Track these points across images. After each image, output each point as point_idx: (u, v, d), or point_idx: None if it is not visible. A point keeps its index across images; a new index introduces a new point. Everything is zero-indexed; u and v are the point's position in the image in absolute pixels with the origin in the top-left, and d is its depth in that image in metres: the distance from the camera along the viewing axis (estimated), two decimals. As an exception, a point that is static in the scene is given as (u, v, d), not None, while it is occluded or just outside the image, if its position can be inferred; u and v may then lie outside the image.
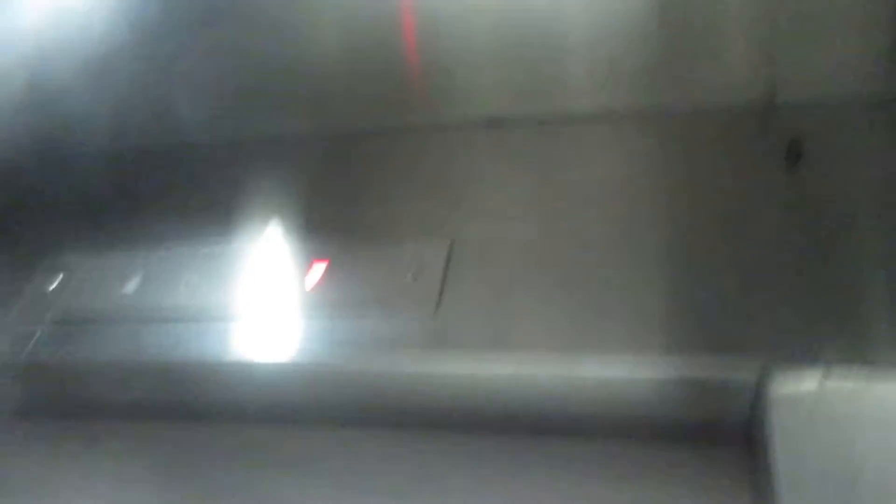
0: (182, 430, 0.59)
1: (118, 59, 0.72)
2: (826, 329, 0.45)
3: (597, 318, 0.50)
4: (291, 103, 0.70)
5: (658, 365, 0.47)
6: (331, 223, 0.62)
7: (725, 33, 0.61)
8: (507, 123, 0.66)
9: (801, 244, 0.50)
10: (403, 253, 0.58)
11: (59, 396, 0.62)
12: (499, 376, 0.50)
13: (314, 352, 0.54)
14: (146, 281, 0.62)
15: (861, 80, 0.58)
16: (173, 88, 0.72)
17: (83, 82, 0.73)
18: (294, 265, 0.59)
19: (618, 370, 0.48)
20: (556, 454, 0.52)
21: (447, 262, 0.56)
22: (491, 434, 0.53)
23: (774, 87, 0.60)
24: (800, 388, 0.43)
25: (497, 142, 0.65)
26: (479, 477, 0.52)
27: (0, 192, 0.75)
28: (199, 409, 0.59)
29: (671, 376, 0.47)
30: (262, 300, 0.58)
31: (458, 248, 0.57)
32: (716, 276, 0.50)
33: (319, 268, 0.58)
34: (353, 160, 0.67)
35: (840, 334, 0.45)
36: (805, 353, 0.44)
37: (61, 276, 0.65)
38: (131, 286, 0.62)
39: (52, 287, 0.64)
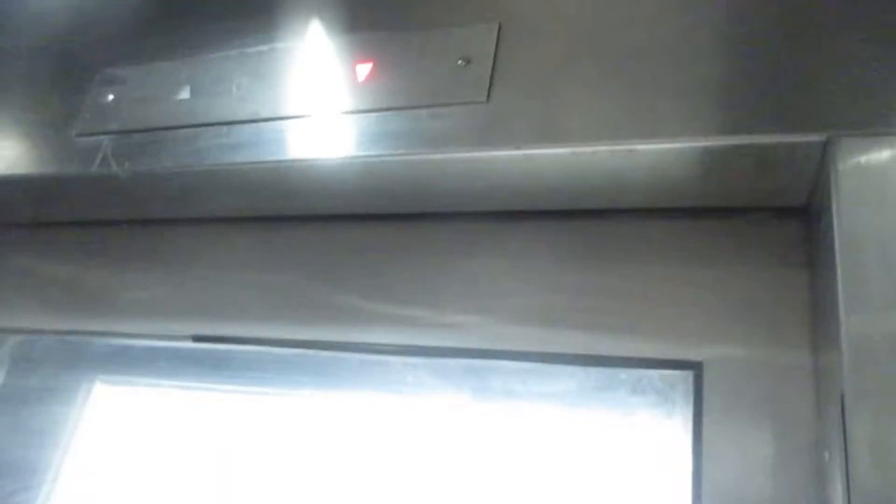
0: (254, 231, 0.62)
1: None
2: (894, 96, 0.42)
3: (651, 98, 0.48)
4: None
5: (717, 140, 0.45)
6: (374, 13, 0.59)
7: None
8: None
9: (867, 3, 0.46)
10: (451, 38, 0.56)
11: (130, 205, 0.65)
12: (553, 162, 0.50)
13: (369, 146, 0.54)
14: (198, 87, 0.62)
15: None
16: None
17: None
18: (341, 63, 0.58)
19: (675, 152, 0.46)
20: (617, 234, 0.53)
21: (497, 45, 0.54)
22: (547, 218, 0.54)
23: None
24: (866, 157, 0.41)
25: None
26: (539, 259, 0.54)
27: (47, 7, 0.74)
28: (264, 210, 0.61)
29: (732, 152, 0.45)
30: (314, 97, 0.58)
31: (507, 30, 0.54)
32: (778, 45, 0.47)
33: (367, 65, 0.57)
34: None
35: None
36: (873, 121, 0.42)
37: (116, 87, 0.65)
38: (185, 93, 0.62)
39: (109, 99, 0.65)
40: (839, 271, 0.39)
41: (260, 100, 0.59)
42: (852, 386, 0.37)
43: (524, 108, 0.51)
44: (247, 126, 0.59)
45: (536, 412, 0.52)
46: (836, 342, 0.39)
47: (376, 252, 0.59)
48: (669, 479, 0.47)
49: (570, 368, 0.52)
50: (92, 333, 0.67)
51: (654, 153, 0.47)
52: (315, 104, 0.58)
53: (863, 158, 0.41)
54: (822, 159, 0.43)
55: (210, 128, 0.60)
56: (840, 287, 0.39)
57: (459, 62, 0.54)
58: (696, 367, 0.48)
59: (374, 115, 0.55)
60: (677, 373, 0.49)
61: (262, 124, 0.58)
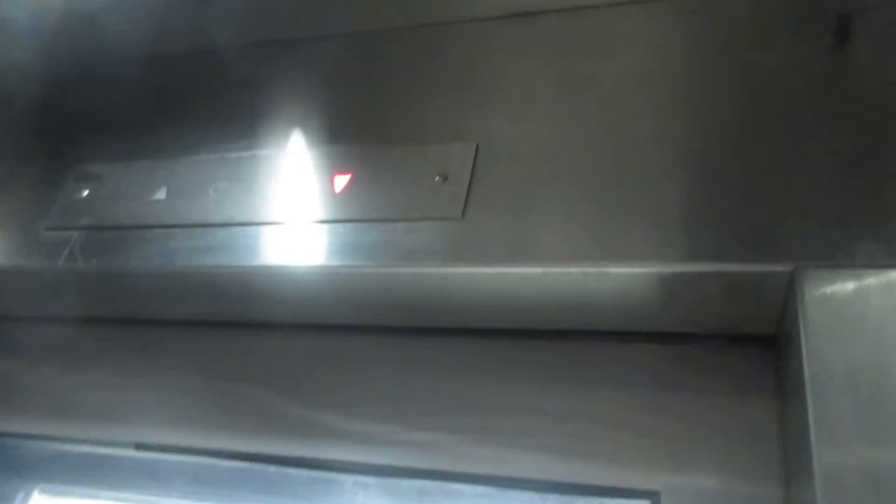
0: (212, 336, 0.61)
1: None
2: (862, 226, 0.44)
3: (624, 222, 0.49)
4: (314, 3, 0.68)
5: (687, 267, 0.46)
6: (356, 126, 0.61)
7: None
8: (535, 14, 0.63)
9: (842, 134, 0.48)
10: (429, 155, 0.57)
11: (93, 302, 0.63)
12: (526, 281, 0.50)
13: (343, 256, 0.54)
14: (175, 187, 0.63)
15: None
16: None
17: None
18: (320, 173, 0.59)
19: (645, 276, 0.47)
20: (583, 357, 0.52)
21: (473, 165, 0.55)
22: (518, 337, 0.53)
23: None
24: (832, 287, 0.42)
25: (524, 35, 0.62)
26: (507, 378, 0.53)
27: (31, 101, 0.75)
28: (231, 315, 0.60)
29: (700, 278, 0.46)
30: (291, 205, 0.58)
31: (483, 150, 0.56)
32: (749, 172, 0.49)
33: (345, 177, 0.58)
34: (378, 60, 0.65)
35: (877, 231, 0.43)
36: (839, 252, 0.43)
37: (92, 183, 0.65)
38: (161, 193, 0.63)
39: (83, 195, 0.65)
40: (809, 403, 0.39)
41: (236, 204, 0.60)
42: (826, 522, 0.36)
43: (498, 227, 0.52)
44: (220, 229, 0.59)
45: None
46: (808, 475, 0.38)
47: (338, 364, 0.57)
48: None
49: (525, 494, 0.50)
50: (31, 436, 0.63)
51: (624, 276, 0.48)
52: (291, 211, 0.58)
53: (828, 290, 0.42)
54: (789, 289, 0.44)
55: (183, 229, 0.60)
56: (811, 419, 0.39)
57: (436, 179, 0.55)
58: (653, 497, 0.47)
59: (349, 225, 0.56)
60: (633, 502, 0.48)
61: (236, 228, 0.58)
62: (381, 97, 0.63)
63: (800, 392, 0.41)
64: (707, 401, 0.48)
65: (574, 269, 0.49)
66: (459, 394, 0.53)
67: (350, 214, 0.56)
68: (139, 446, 0.59)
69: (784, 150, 0.48)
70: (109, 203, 0.63)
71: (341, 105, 0.63)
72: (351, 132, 0.61)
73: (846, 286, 0.42)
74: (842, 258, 0.43)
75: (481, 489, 0.51)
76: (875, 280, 0.41)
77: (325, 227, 0.56)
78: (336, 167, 0.59)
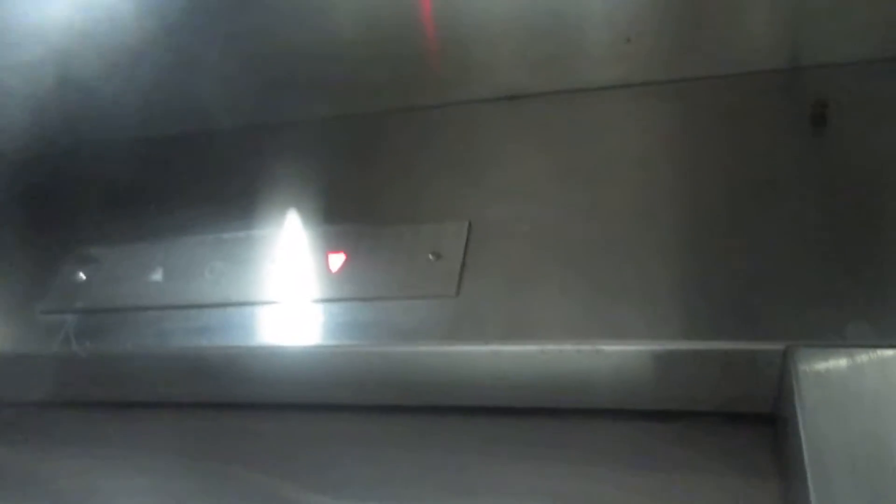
0: (205, 417, 0.60)
1: (143, 49, 0.72)
2: (853, 305, 0.44)
3: (617, 301, 0.49)
4: (309, 87, 0.70)
5: (681, 345, 0.46)
6: (350, 206, 0.62)
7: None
8: (526, 97, 0.65)
9: (826, 214, 0.49)
10: (423, 234, 0.58)
11: (88, 386, 0.63)
12: (521, 359, 0.50)
13: (339, 335, 0.54)
14: (171, 269, 0.63)
15: (885, 41, 0.56)
16: (196, 76, 0.72)
17: (108, 72, 0.73)
18: (315, 253, 0.60)
19: (640, 354, 0.47)
20: (579, 436, 0.52)
21: (466, 243, 0.56)
22: (513, 416, 0.53)
23: (798, 50, 0.58)
24: (825, 365, 0.42)
25: (514, 117, 0.64)
26: (502, 458, 0.52)
27: (28, 183, 0.76)
28: (226, 396, 0.60)
29: (695, 357, 0.46)
30: (286, 285, 0.59)
31: (476, 228, 0.57)
32: (739, 252, 0.49)
33: (340, 256, 0.58)
34: (371, 141, 0.67)
35: (867, 310, 0.44)
36: (831, 331, 0.43)
37: (89, 266, 0.66)
38: (157, 274, 0.63)
39: (80, 277, 0.65)
40: (810, 482, 0.39)
41: (231, 284, 0.60)
42: None
43: (492, 305, 0.52)
44: (216, 310, 0.59)
45: None
46: (811, 559, 0.37)
47: (332, 444, 0.57)
48: None
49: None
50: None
51: (619, 354, 0.48)
52: (286, 291, 0.58)
53: (822, 368, 0.42)
54: (783, 368, 0.44)
55: (178, 310, 0.60)
56: (812, 499, 0.38)
57: (430, 257, 0.56)
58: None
59: (344, 304, 0.56)
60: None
61: (231, 309, 0.59)
62: (374, 178, 0.64)
63: (800, 471, 0.40)
64: (706, 480, 0.48)
65: (569, 347, 0.49)
66: (455, 474, 0.52)
67: (345, 293, 0.57)
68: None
69: (771, 231, 0.49)
70: (106, 285, 0.64)
71: (335, 186, 0.64)
72: (345, 212, 0.61)
73: (839, 365, 0.42)
74: (833, 337, 0.43)
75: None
76: (867, 359, 0.42)
77: (320, 306, 0.57)
78: (331, 247, 0.60)
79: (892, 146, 0.51)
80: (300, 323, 0.56)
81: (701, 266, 0.50)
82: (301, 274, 0.59)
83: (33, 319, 0.64)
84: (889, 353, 0.42)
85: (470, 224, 0.57)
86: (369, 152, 0.66)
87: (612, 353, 0.48)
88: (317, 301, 0.57)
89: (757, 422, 0.48)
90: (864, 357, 0.42)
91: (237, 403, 0.60)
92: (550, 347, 0.49)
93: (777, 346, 0.44)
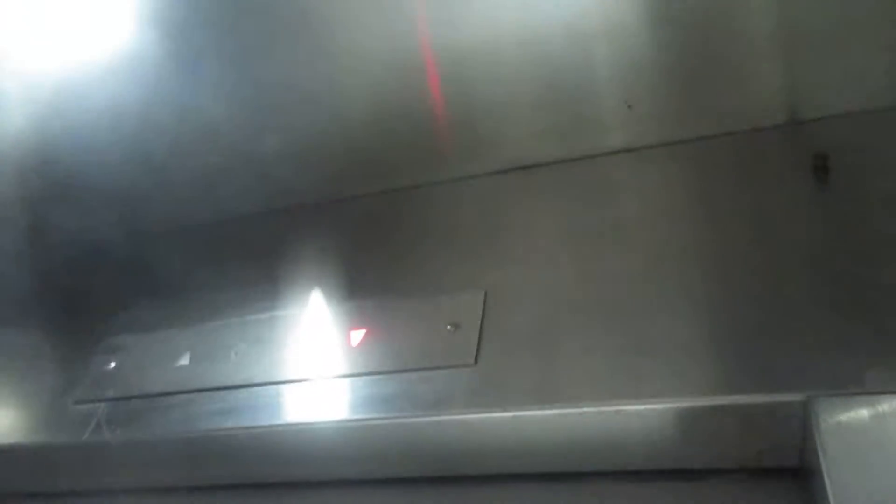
0: (239, 498, 0.61)
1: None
2: (871, 353, 0.44)
3: (634, 361, 0.50)
4: (321, 170, 0.73)
5: (701, 401, 0.46)
6: (369, 283, 0.63)
7: (744, 57, 0.61)
8: (533, 168, 0.67)
9: (836, 263, 0.49)
10: (440, 305, 0.59)
11: (119, 472, 0.64)
12: (542, 424, 0.50)
13: (362, 409, 0.55)
14: (198, 353, 0.65)
15: (884, 91, 0.57)
16: (214, 163, 0.76)
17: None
18: (336, 329, 0.61)
19: (660, 413, 0.47)
20: (605, 499, 0.51)
21: (483, 312, 0.57)
22: (538, 482, 0.53)
23: (798, 104, 0.59)
24: (847, 414, 0.42)
25: (523, 187, 0.66)
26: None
27: (58, 281, 0.80)
28: (254, 476, 0.60)
29: (715, 412, 0.46)
30: (309, 363, 0.60)
31: (492, 297, 0.58)
32: (753, 305, 0.50)
33: (360, 331, 0.60)
34: (386, 219, 0.69)
35: (886, 357, 0.44)
36: (851, 379, 0.43)
37: (118, 354, 0.67)
38: (184, 359, 0.65)
39: (110, 366, 0.67)
40: (839, 536, 0.38)
41: (256, 365, 0.61)
42: None
43: (511, 371, 0.53)
44: (241, 391, 0.60)
45: None
46: None
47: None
48: None
49: None
50: None
51: (639, 414, 0.48)
52: (309, 369, 0.59)
53: (843, 418, 0.42)
54: (805, 418, 0.44)
55: (205, 393, 0.61)
56: (843, 555, 0.38)
57: (448, 328, 0.57)
58: None
59: (366, 378, 0.57)
60: None
61: (256, 389, 0.60)
62: (391, 254, 0.66)
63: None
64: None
65: (589, 409, 0.49)
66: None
67: (367, 368, 0.58)
68: None
69: (783, 283, 0.50)
70: (135, 373, 0.65)
71: (353, 264, 0.66)
72: (364, 289, 0.63)
73: (861, 413, 0.42)
74: (854, 386, 0.43)
75: None
76: (889, 406, 0.41)
77: (343, 381, 0.58)
78: (352, 323, 0.61)
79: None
80: (324, 399, 0.57)
81: (716, 322, 0.50)
82: (323, 351, 0.60)
83: (66, 410, 0.65)
84: (909, 398, 0.41)
85: (486, 293, 0.58)
86: (385, 230, 0.68)
87: (632, 414, 0.48)
88: (339, 377, 0.58)
89: (784, 476, 0.47)
90: (886, 404, 0.42)
91: (265, 483, 0.60)
92: (570, 411, 0.49)
93: (798, 398, 0.44)
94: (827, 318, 0.47)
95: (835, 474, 0.40)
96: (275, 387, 0.59)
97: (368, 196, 0.72)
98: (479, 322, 0.56)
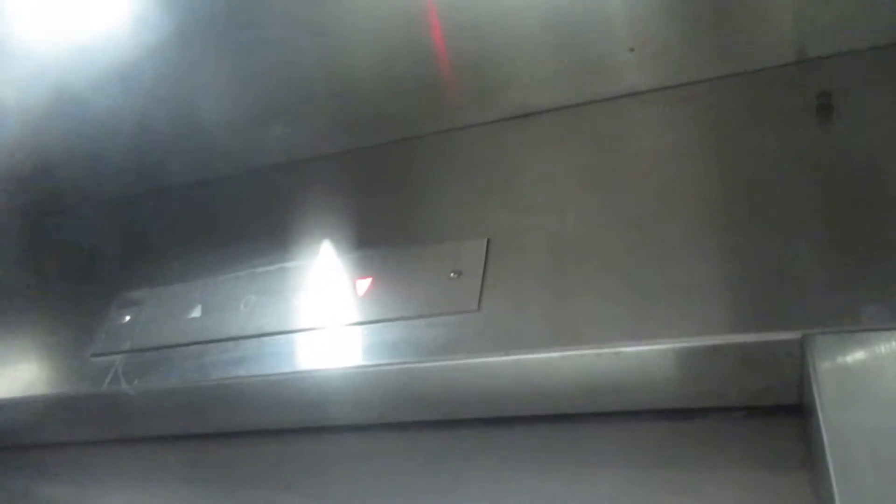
0: (251, 445, 0.62)
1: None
2: (867, 290, 0.44)
3: (635, 303, 0.50)
4: (325, 123, 0.73)
5: (699, 341, 0.47)
6: (374, 233, 0.64)
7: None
8: (536, 115, 0.66)
9: (835, 203, 0.49)
10: (444, 253, 0.59)
11: (137, 421, 0.66)
12: (543, 367, 0.51)
13: (368, 356, 0.56)
14: (209, 305, 0.66)
15: (889, 29, 0.56)
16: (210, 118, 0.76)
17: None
18: (342, 279, 0.62)
19: (659, 353, 0.48)
20: (608, 439, 0.52)
21: (486, 259, 0.57)
22: (542, 424, 0.54)
23: (802, 43, 0.58)
24: (843, 351, 0.42)
25: (526, 134, 0.65)
26: (534, 465, 0.53)
27: (72, 237, 0.81)
28: (266, 423, 0.62)
29: (713, 352, 0.46)
30: (317, 312, 0.61)
31: (494, 245, 0.58)
32: (753, 246, 0.50)
33: (366, 280, 0.61)
34: (390, 170, 0.69)
35: (881, 294, 0.43)
36: (847, 317, 0.43)
37: (133, 309, 0.69)
38: (196, 312, 0.66)
39: (125, 320, 0.68)
40: (832, 471, 0.39)
41: (265, 315, 0.62)
42: None
43: (513, 316, 0.53)
44: (252, 341, 0.61)
45: None
46: (838, 546, 0.37)
47: (366, 462, 0.58)
48: None
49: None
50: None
51: (638, 355, 0.48)
52: (317, 318, 0.60)
53: (839, 355, 0.42)
54: (802, 357, 0.44)
55: (217, 344, 0.63)
56: (835, 489, 0.38)
57: (452, 275, 0.57)
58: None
59: (372, 326, 0.58)
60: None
61: (266, 338, 0.61)
62: (395, 204, 0.66)
63: (822, 461, 0.40)
64: (737, 475, 0.48)
65: (588, 351, 0.49)
66: (487, 485, 0.53)
67: (373, 316, 0.58)
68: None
69: (782, 223, 0.50)
70: (149, 326, 0.67)
71: (359, 214, 0.66)
72: (370, 239, 0.64)
73: (857, 350, 0.42)
74: (850, 323, 0.43)
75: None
76: (884, 341, 0.41)
77: (350, 329, 0.59)
78: (357, 272, 0.62)
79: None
80: (331, 347, 0.58)
81: (716, 263, 0.50)
82: (330, 300, 0.61)
83: (85, 363, 0.67)
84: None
85: (488, 241, 0.58)
86: (389, 180, 0.69)
87: (632, 355, 0.48)
88: (346, 325, 0.59)
89: (784, 413, 0.48)
90: (880, 340, 0.42)
91: (276, 429, 0.62)
92: (571, 353, 0.50)
93: (794, 336, 0.44)
94: (825, 258, 0.47)
95: (829, 411, 0.40)
96: (284, 336, 0.61)
97: (374, 148, 0.72)
98: (482, 269, 0.57)
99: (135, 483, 0.66)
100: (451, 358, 0.53)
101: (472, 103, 0.69)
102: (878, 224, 0.47)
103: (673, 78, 0.63)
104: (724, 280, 0.49)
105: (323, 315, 0.60)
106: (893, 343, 0.41)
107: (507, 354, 0.52)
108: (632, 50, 0.62)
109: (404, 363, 0.55)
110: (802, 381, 0.45)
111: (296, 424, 0.62)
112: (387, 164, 0.70)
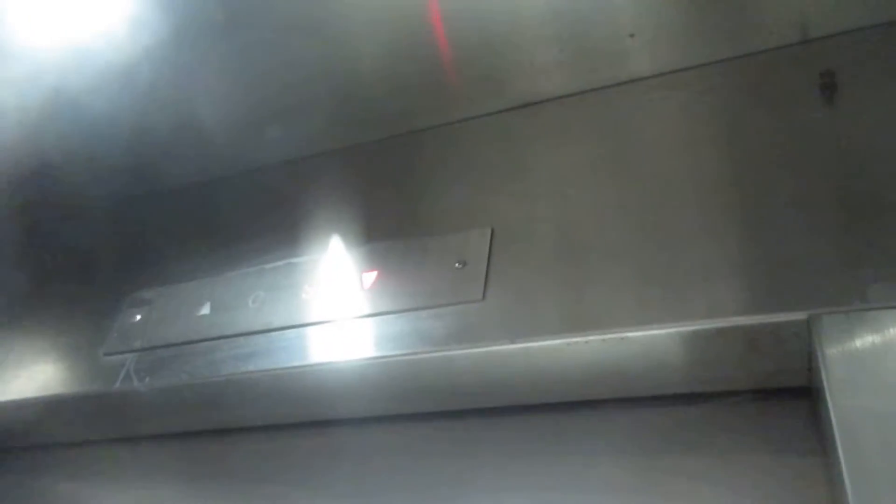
0: (262, 440, 0.63)
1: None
2: (873, 269, 0.44)
3: (640, 288, 0.50)
4: (328, 118, 0.73)
5: (704, 324, 0.46)
6: (379, 226, 0.64)
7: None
8: (538, 104, 0.66)
9: (841, 183, 0.48)
10: (448, 244, 0.59)
11: (148, 419, 0.67)
12: (549, 354, 0.51)
13: (374, 348, 0.56)
14: (218, 302, 0.66)
15: (892, 6, 0.55)
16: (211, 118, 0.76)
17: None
18: (348, 273, 0.62)
19: (665, 338, 0.47)
20: (618, 425, 0.52)
21: (490, 249, 0.57)
22: (550, 412, 0.54)
23: (804, 23, 0.57)
24: (850, 330, 0.41)
25: (529, 124, 0.65)
26: (545, 452, 0.53)
27: (73, 238, 0.82)
28: (275, 417, 0.62)
29: (720, 334, 0.46)
30: (324, 307, 0.61)
31: (498, 235, 0.58)
32: (758, 228, 0.49)
33: (372, 273, 0.61)
34: (395, 163, 0.69)
35: (887, 273, 0.43)
36: (853, 296, 0.43)
37: (144, 308, 0.70)
38: (205, 309, 0.66)
39: (136, 319, 0.69)
40: (842, 458, 0.38)
41: (273, 311, 0.63)
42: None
43: (518, 305, 0.53)
44: (260, 336, 0.62)
45: None
46: (848, 527, 0.37)
47: (373, 454, 0.58)
48: None
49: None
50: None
51: (644, 340, 0.48)
52: (324, 312, 0.61)
53: (846, 335, 0.42)
54: (810, 338, 0.44)
55: (226, 340, 0.63)
56: (844, 469, 0.38)
57: (456, 265, 0.57)
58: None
59: (378, 318, 0.58)
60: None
61: (273, 334, 0.61)
62: (399, 196, 0.66)
63: (832, 442, 0.40)
64: (747, 458, 0.47)
65: (594, 337, 0.49)
66: (496, 473, 0.53)
67: (379, 308, 0.59)
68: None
69: (788, 204, 0.49)
70: (160, 324, 0.67)
71: (364, 208, 0.66)
72: (375, 232, 0.64)
73: (863, 328, 0.41)
74: (856, 302, 0.43)
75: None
76: (892, 321, 0.41)
77: (356, 322, 0.59)
78: (363, 266, 0.62)
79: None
80: (339, 340, 0.58)
81: (720, 246, 0.50)
82: (337, 294, 0.61)
83: (98, 362, 0.68)
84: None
85: (493, 230, 0.58)
86: (394, 174, 0.69)
87: (636, 340, 0.48)
88: (353, 318, 0.59)
89: (793, 396, 0.47)
90: (888, 318, 0.41)
91: (285, 423, 0.62)
92: (576, 340, 0.50)
93: (800, 316, 0.44)
94: (831, 238, 0.46)
95: (838, 393, 0.40)
96: (292, 330, 0.61)
97: (377, 142, 0.72)
98: (487, 259, 0.57)
99: (148, 479, 0.66)
100: (458, 347, 0.53)
101: (473, 94, 0.69)
102: (884, 202, 0.46)
103: (675, 63, 0.62)
104: (728, 262, 0.49)
105: (330, 309, 0.61)
106: (900, 321, 0.41)
107: (512, 343, 0.51)
108: (632, 36, 0.62)
109: (412, 354, 0.55)
110: (811, 363, 0.45)
111: (306, 418, 0.62)
112: (390, 158, 0.70)
